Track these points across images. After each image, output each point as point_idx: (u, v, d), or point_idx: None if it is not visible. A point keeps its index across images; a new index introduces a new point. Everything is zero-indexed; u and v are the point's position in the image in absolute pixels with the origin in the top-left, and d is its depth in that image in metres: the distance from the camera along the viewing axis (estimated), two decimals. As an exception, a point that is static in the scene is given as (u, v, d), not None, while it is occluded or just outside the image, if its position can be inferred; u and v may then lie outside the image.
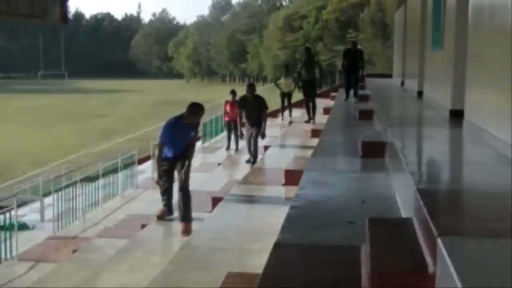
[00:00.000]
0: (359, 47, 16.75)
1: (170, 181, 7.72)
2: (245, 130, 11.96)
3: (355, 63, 14.24)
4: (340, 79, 18.47)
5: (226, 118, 15.41)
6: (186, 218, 7.39)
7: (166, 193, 7.80)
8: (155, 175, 7.86)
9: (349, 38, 59.54)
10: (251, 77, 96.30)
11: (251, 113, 11.52)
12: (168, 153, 7.54)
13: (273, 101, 21.17)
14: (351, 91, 14.28)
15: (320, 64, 16.50)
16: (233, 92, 15.23)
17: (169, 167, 7.61)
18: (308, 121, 15.07)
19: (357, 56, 14.47)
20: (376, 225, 3.42)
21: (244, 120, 11.89)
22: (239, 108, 11.81)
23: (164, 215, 7.89)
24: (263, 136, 11.82)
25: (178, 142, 7.47)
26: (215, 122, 20.90)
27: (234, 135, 14.81)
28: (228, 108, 15.24)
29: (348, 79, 14.34)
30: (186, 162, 7.51)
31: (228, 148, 15.61)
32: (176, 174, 7.69)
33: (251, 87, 11.68)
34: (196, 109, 7.44)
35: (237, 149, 14.78)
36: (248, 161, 11.87)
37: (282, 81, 17.86)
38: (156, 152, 7.80)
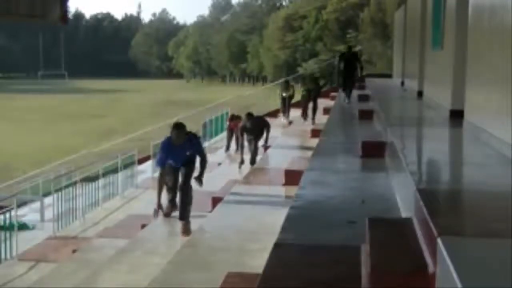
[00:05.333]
0: (357, 49, 17.40)
1: (175, 179, 7.73)
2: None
3: (352, 66, 14.66)
4: (337, 79, 18.79)
5: (230, 126, 15.82)
6: (183, 216, 7.39)
7: (171, 191, 7.80)
8: (155, 202, 7.65)
9: (349, 38, 59.64)
10: (251, 77, 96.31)
11: (253, 135, 11.99)
12: (171, 163, 7.64)
13: (274, 101, 21.23)
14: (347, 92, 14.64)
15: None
16: (232, 118, 15.81)
17: (173, 170, 7.68)
18: (305, 119, 15.55)
19: (353, 59, 14.91)
20: (376, 225, 3.42)
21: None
22: (241, 135, 12.15)
23: (170, 212, 7.89)
24: (266, 146, 12.41)
25: (177, 160, 7.57)
26: (215, 122, 20.92)
27: (235, 136, 15.02)
28: (230, 124, 15.80)
29: (344, 81, 14.71)
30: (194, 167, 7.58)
31: (227, 149, 15.72)
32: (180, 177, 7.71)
33: (250, 116, 12.10)
34: (173, 126, 7.45)
35: (237, 148, 14.80)
36: (242, 163, 11.95)
37: (283, 94, 18.91)
38: (157, 179, 7.71)
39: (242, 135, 12.11)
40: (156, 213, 7.66)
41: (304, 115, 16.16)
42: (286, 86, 19.08)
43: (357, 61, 15.00)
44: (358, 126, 9.16)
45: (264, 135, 12.15)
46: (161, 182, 7.52)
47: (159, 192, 7.50)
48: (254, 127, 11.89)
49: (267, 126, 12.23)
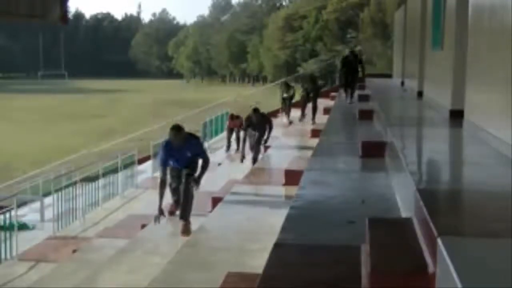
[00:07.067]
0: (357, 48, 17.86)
1: (179, 181, 7.65)
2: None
3: (353, 68, 15.17)
4: (340, 79, 18.87)
5: (230, 126, 15.97)
6: (184, 216, 7.36)
7: (176, 192, 7.79)
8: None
9: (349, 38, 59.66)
10: (251, 77, 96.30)
11: (257, 132, 12.10)
12: (173, 165, 7.62)
13: (274, 102, 21.24)
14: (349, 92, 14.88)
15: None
16: (232, 117, 15.96)
17: (176, 173, 7.63)
18: (301, 119, 15.86)
19: (355, 61, 15.40)
20: (376, 225, 3.42)
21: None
22: (244, 130, 12.26)
23: (175, 211, 7.88)
24: (266, 142, 12.49)
25: (179, 162, 7.52)
26: (215, 122, 20.93)
27: (235, 136, 15.21)
28: (229, 123, 15.97)
29: (346, 82, 15.07)
30: (200, 170, 7.56)
31: (228, 149, 15.77)
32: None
33: (256, 111, 12.23)
34: (171, 129, 7.42)
35: (237, 149, 14.83)
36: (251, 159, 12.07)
37: (284, 95, 19.00)
38: (158, 184, 7.57)
39: (245, 129, 12.18)
40: (157, 219, 7.43)
41: (302, 115, 16.31)
42: (287, 87, 19.13)
43: (358, 63, 15.44)
44: (358, 126, 9.16)
45: (266, 134, 12.29)
46: (162, 188, 7.46)
47: (160, 197, 7.45)
48: (259, 123, 12.03)
49: (270, 124, 12.43)
